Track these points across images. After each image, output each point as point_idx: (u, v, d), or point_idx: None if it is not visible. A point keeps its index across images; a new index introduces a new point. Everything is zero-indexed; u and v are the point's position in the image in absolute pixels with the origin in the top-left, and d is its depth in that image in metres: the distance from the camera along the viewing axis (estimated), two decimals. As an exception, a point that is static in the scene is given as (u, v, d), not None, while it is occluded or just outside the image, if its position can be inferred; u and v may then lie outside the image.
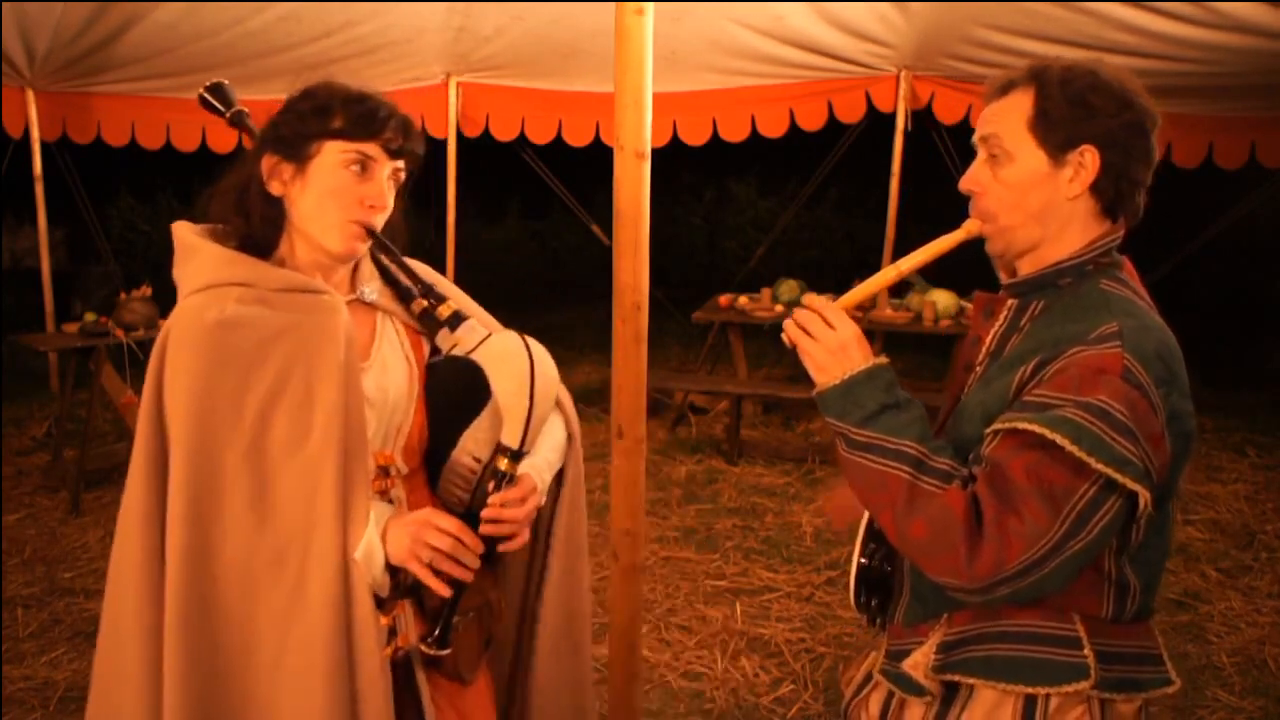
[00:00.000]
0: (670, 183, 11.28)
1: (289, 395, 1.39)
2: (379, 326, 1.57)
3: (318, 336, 1.42)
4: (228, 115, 1.59)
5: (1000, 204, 1.37)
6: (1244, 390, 6.86)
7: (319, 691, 1.35)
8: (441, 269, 1.75)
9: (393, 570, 1.44)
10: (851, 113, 6.24)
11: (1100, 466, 1.19)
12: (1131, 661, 1.35)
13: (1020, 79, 1.37)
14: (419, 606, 1.52)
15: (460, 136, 6.63)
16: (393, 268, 1.60)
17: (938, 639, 1.39)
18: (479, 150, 6.90)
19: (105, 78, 5.96)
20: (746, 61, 5.98)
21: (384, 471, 1.52)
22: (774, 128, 6.37)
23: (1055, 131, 1.33)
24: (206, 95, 1.59)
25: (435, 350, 1.60)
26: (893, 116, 6.18)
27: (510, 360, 1.49)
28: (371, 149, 1.45)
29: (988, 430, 1.29)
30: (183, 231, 1.51)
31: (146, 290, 5.07)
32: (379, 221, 1.49)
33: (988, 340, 1.45)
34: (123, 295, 5.02)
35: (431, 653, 1.47)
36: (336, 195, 1.45)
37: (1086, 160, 1.32)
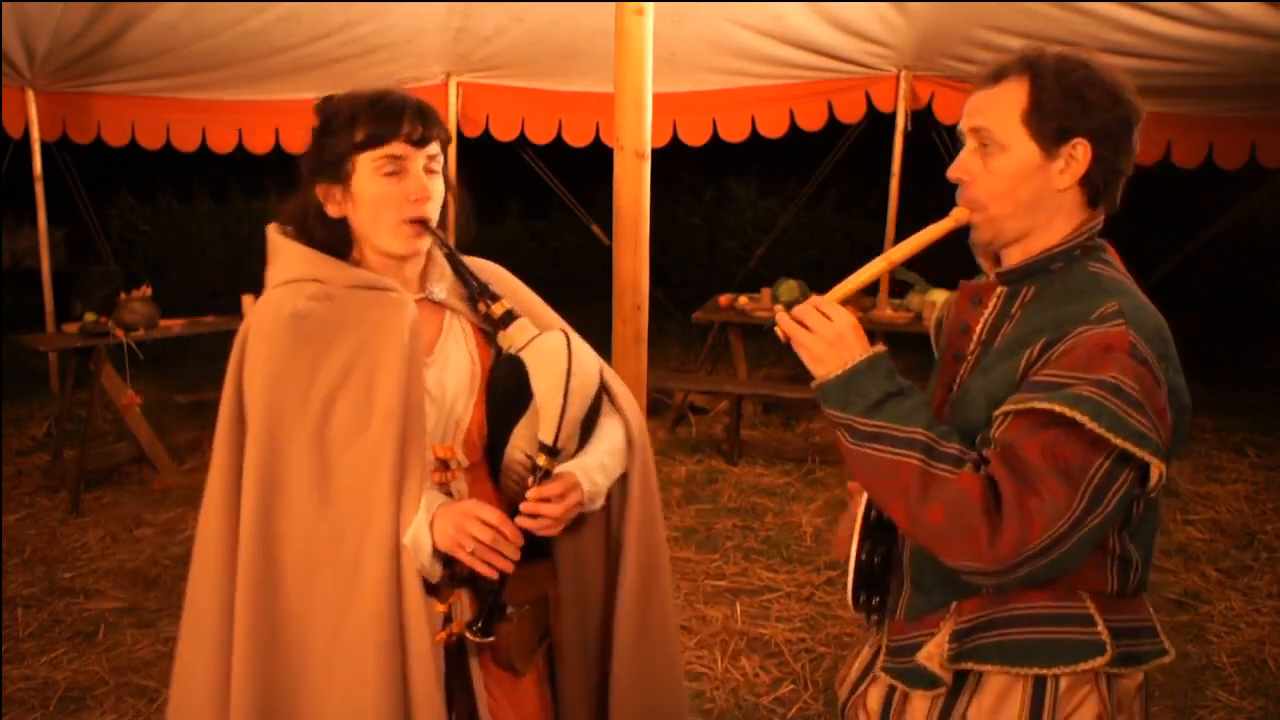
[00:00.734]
0: (670, 183, 11.28)
1: (352, 386, 1.47)
2: (446, 324, 1.63)
3: (383, 331, 1.50)
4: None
5: (990, 193, 1.37)
6: (1244, 390, 6.86)
7: (371, 665, 1.42)
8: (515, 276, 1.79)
9: (447, 560, 1.49)
10: (851, 113, 6.24)
11: (1120, 442, 1.20)
12: (1133, 635, 1.37)
13: (1013, 67, 1.37)
14: (474, 595, 1.56)
15: (460, 136, 6.63)
16: (448, 265, 1.63)
17: (950, 628, 1.39)
18: (479, 150, 6.90)
19: (105, 78, 5.96)
20: (746, 62, 5.98)
21: (444, 465, 1.55)
22: (774, 128, 6.38)
23: (1049, 124, 1.33)
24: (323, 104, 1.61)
25: (499, 350, 1.63)
26: (893, 116, 6.18)
27: (550, 359, 1.52)
28: (397, 148, 1.50)
29: (997, 413, 1.29)
30: (271, 233, 1.61)
31: (146, 290, 5.07)
32: (429, 211, 1.54)
33: (978, 329, 1.45)
34: (123, 295, 5.02)
35: (476, 640, 1.51)
36: (381, 202, 1.51)
37: (1078, 153, 1.34)
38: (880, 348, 1.35)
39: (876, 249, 6.87)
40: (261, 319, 1.52)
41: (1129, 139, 1.36)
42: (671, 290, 8.56)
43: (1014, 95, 1.35)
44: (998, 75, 1.38)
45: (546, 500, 1.50)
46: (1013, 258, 1.41)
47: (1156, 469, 1.23)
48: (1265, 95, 5.61)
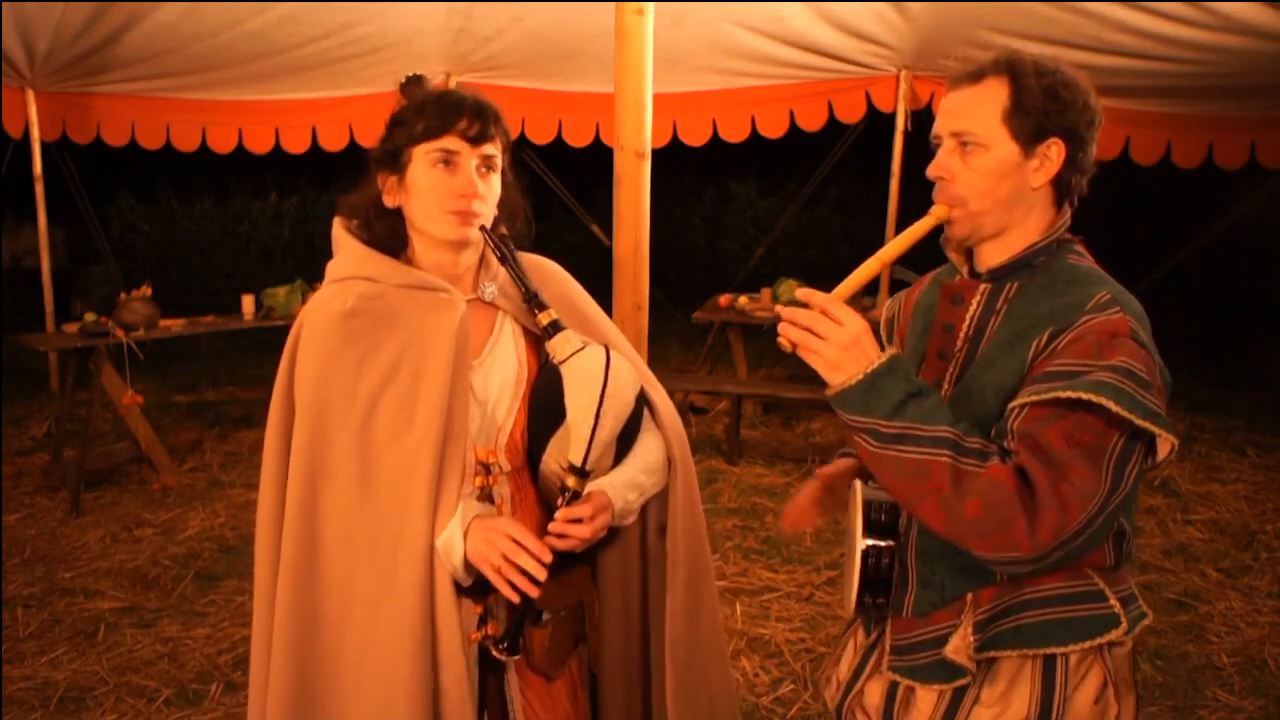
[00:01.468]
0: (670, 183, 11.28)
1: (397, 385, 1.49)
2: (498, 326, 1.63)
3: (430, 331, 1.51)
4: None
5: (971, 190, 1.41)
6: (1244, 390, 6.86)
7: (403, 660, 1.44)
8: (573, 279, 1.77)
9: None
10: (851, 113, 6.24)
11: (1141, 422, 1.25)
12: (1127, 604, 1.42)
13: (991, 68, 1.41)
14: (507, 605, 1.55)
15: (460, 136, 6.63)
16: (502, 266, 1.61)
17: (971, 620, 1.41)
18: (479, 150, 6.90)
19: (105, 78, 5.96)
20: (746, 62, 5.98)
21: (486, 469, 1.55)
22: (774, 128, 6.38)
23: (1028, 123, 1.38)
24: (407, 86, 1.62)
25: (546, 355, 1.62)
26: (892, 117, 6.19)
27: (586, 378, 1.51)
28: (451, 142, 1.52)
29: (1012, 405, 1.32)
30: (337, 227, 1.64)
31: (146, 290, 5.07)
32: (480, 209, 1.54)
33: (964, 326, 1.47)
34: (123, 295, 5.02)
35: (502, 658, 1.52)
36: (430, 193, 1.53)
37: (1053, 153, 1.39)
38: (895, 349, 1.34)
39: (876, 249, 6.88)
40: (313, 316, 1.55)
41: (1094, 141, 1.43)
42: (671, 290, 8.57)
43: (994, 95, 1.39)
44: (976, 76, 1.42)
45: (576, 521, 1.50)
46: (992, 254, 1.45)
47: (1167, 443, 1.29)
48: (1265, 95, 5.61)
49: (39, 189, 6.50)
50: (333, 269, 1.61)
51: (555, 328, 1.54)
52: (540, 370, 1.60)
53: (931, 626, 1.45)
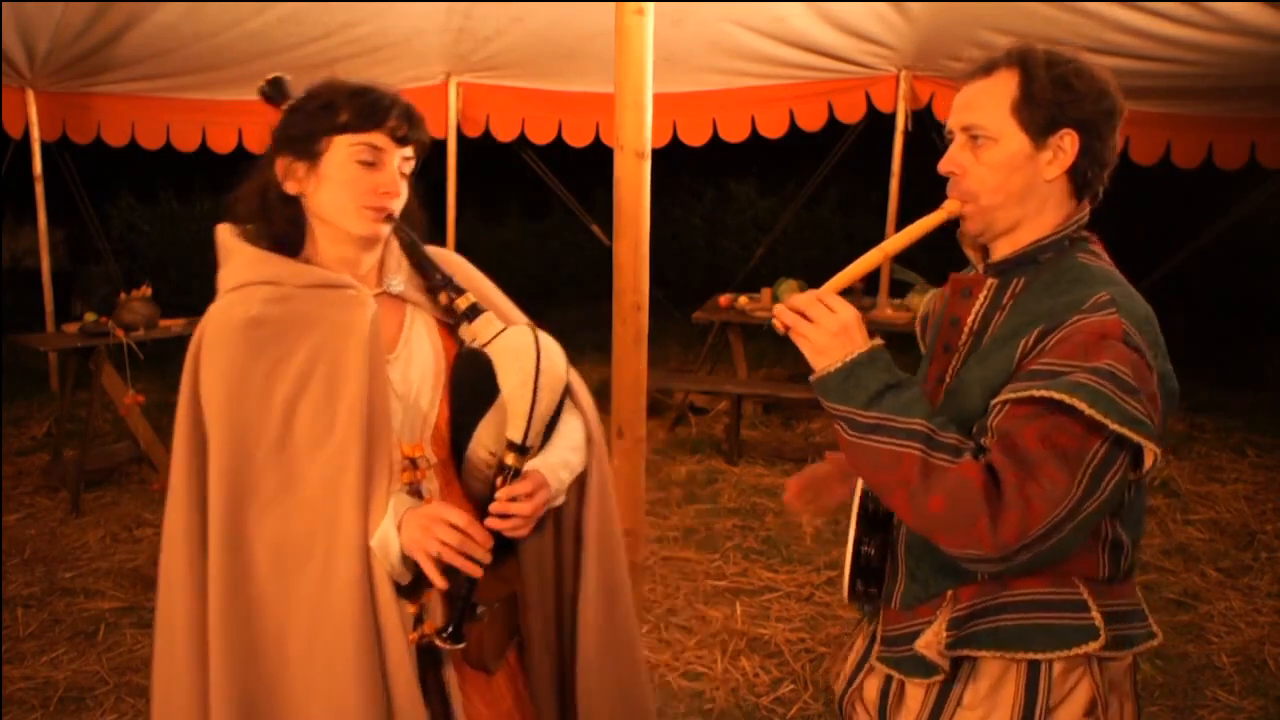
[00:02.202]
0: (670, 183, 11.27)
1: (313, 389, 1.45)
2: (408, 318, 1.60)
3: (342, 331, 1.47)
4: (284, 108, 1.57)
5: (982, 185, 1.39)
6: (1244, 390, 6.86)
7: (350, 673, 1.41)
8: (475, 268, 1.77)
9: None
10: (851, 113, 6.24)
11: (1116, 426, 1.22)
12: (1124, 619, 1.39)
13: (1003, 60, 1.39)
14: (444, 597, 1.54)
15: (461, 136, 6.63)
16: (415, 259, 1.61)
17: (947, 616, 1.40)
18: (479, 150, 6.90)
19: (105, 78, 5.96)
20: (746, 62, 5.98)
21: (413, 463, 1.53)
22: (774, 128, 6.37)
23: (1039, 114, 1.35)
24: (266, 88, 1.58)
25: (462, 341, 1.61)
26: (893, 117, 6.18)
27: (518, 355, 1.50)
28: (379, 139, 1.49)
29: (994, 401, 1.31)
30: (222, 234, 1.57)
31: (146, 290, 5.07)
32: (395, 207, 1.52)
33: (969, 321, 1.46)
34: (123, 295, 5.02)
35: (446, 647, 1.50)
36: (349, 186, 1.49)
37: (1066, 144, 1.36)
38: (878, 341, 1.36)
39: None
40: (214, 327, 1.48)
41: (1113, 133, 1.40)
42: (671, 290, 8.56)
43: (1004, 87, 1.37)
44: (988, 68, 1.40)
45: (515, 499, 1.48)
46: (1002, 249, 1.44)
47: (1151, 452, 1.26)
48: (1265, 95, 5.61)
49: (39, 189, 6.50)
50: (226, 278, 1.53)
51: (476, 310, 1.54)
52: (458, 359, 1.59)
53: (915, 620, 1.45)
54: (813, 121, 6.32)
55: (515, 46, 5.94)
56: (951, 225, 1.46)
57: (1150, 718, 2.99)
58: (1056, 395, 1.23)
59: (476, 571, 1.45)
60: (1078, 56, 1.38)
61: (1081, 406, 1.22)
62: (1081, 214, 1.42)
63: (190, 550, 1.47)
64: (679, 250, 11.45)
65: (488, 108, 6.56)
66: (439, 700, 1.54)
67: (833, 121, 6.32)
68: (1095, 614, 1.35)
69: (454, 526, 1.43)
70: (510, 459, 1.50)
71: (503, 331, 1.53)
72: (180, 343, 6.85)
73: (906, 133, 6.18)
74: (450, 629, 1.49)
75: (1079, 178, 1.39)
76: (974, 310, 1.46)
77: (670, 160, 6.03)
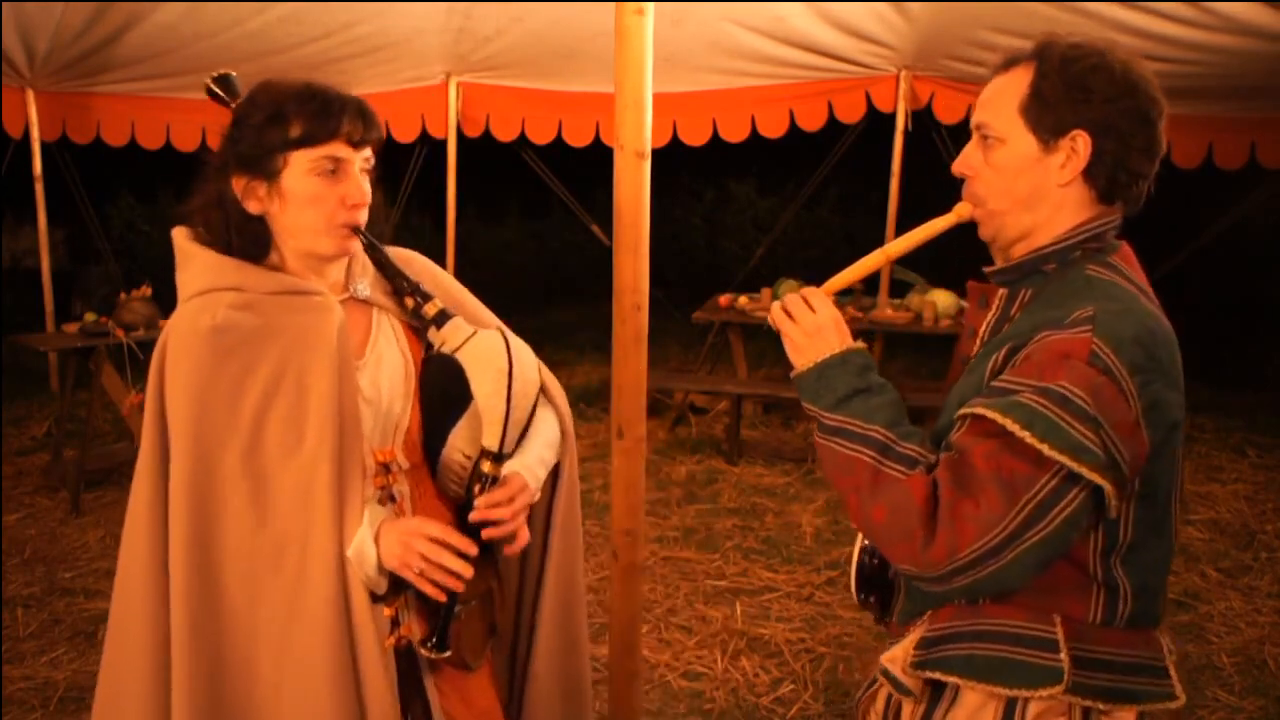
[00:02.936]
0: (670, 183, 11.27)
1: (283, 397, 1.42)
2: (375, 323, 1.58)
3: (310, 338, 1.44)
4: (233, 107, 1.53)
5: (990, 188, 1.34)
6: (1244, 390, 6.86)
7: (322, 679, 1.39)
8: (441, 268, 1.75)
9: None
10: (851, 113, 6.24)
11: (1054, 454, 1.15)
12: (1123, 670, 1.30)
13: (1024, 55, 1.33)
14: (421, 597, 1.53)
15: (461, 136, 6.63)
16: (377, 262, 1.58)
17: (918, 635, 1.37)
18: (479, 150, 6.90)
19: (105, 78, 5.96)
20: (746, 62, 5.98)
21: (385, 468, 1.52)
22: (774, 128, 6.37)
23: (1047, 114, 1.28)
24: (213, 86, 1.53)
25: (430, 345, 1.60)
26: (893, 116, 6.18)
27: (489, 361, 1.48)
28: (337, 149, 1.44)
29: (955, 416, 1.27)
30: (179, 238, 1.53)
31: (146, 290, 5.07)
32: (363, 217, 1.49)
33: (982, 331, 1.41)
34: (123, 295, 5.02)
35: (431, 656, 1.49)
36: (315, 203, 1.45)
37: (1078, 146, 1.28)
38: (858, 344, 1.34)
39: (876, 249, 6.88)
40: (179, 335, 1.44)
41: (1143, 133, 1.29)
42: (671, 290, 8.56)
43: (1016, 85, 1.31)
44: (1008, 64, 1.35)
45: (497, 506, 1.48)
46: (1015, 256, 1.37)
47: (1105, 488, 1.17)
48: (1265, 95, 5.61)
49: (39, 189, 6.49)
50: (188, 283, 1.49)
51: (445, 316, 1.52)
52: (425, 362, 1.58)
53: (906, 636, 1.43)
54: (813, 121, 6.32)
55: (515, 46, 5.94)
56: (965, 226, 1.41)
57: (1151, 718, 2.99)
58: (990, 414, 1.18)
59: (458, 586, 1.44)
60: (1106, 50, 1.29)
61: (1013, 428, 1.16)
62: (1104, 221, 1.32)
63: (154, 561, 1.43)
64: (679, 250, 11.45)
65: (488, 108, 6.55)
66: (419, 704, 1.54)
67: (833, 121, 6.32)
68: (1063, 656, 1.26)
69: (434, 540, 1.42)
70: (487, 467, 1.49)
71: (473, 336, 1.51)
72: (180, 343, 6.79)
73: (906, 133, 6.18)
74: (435, 638, 1.48)
75: (1100, 181, 1.30)
76: (986, 321, 1.41)
77: (670, 160, 6.03)
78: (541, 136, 6.59)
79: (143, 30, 5.32)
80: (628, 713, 2.08)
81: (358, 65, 5.82)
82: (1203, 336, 7.91)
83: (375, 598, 1.46)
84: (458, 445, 1.54)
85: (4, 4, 4.85)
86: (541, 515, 1.73)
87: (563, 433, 1.69)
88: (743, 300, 6.13)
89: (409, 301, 1.55)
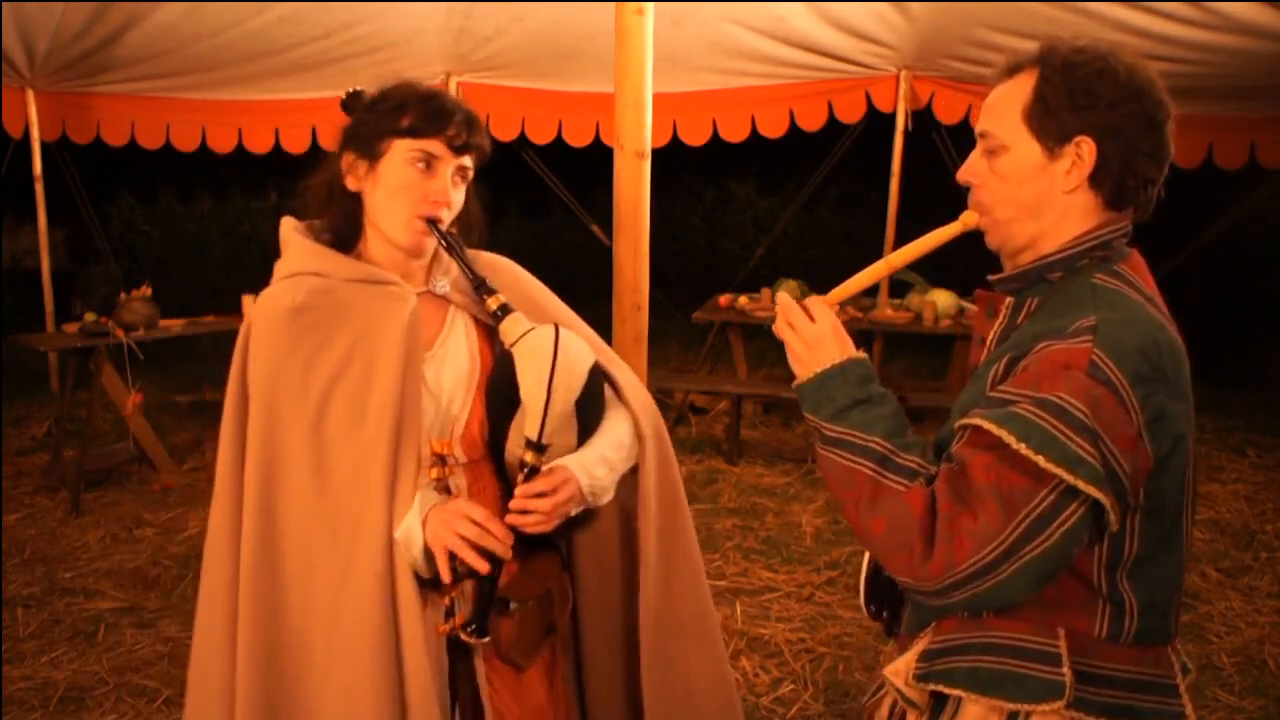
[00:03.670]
0: (670, 183, 11.28)
1: (349, 379, 1.49)
2: (449, 319, 1.63)
3: (381, 325, 1.51)
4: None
5: (994, 196, 1.32)
6: (1244, 390, 6.86)
7: (366, 652, 1.44)
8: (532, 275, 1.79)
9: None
10: (851, 113, 6.24)
11: (1049, 466, 1.13)
12: (1128, 687, 1.27)
13: (1028, 60, 1.31)
14: (475, 591, 1.55)
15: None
16: (453, 260, 1.61)
17: (922, 646, 1.35)
18: (479, 150, 6.90)
19: (105, 78, 5.96)
20: (746, 62, 5.98)
21: (441, 460, 1.55)
22: (774, 128, 6.38)
23: (1050, 121, 1.26)
24: (349, 102, 1.62)
25: (500, 345, 1.62)
26: (893, 116, 6.18)
27: (536, 354, 1.51)
28: (435, 146, 1.52)
29: (955, 426, 1.26)
30: (284, 227, 1.64)
31: (146, 290, 5.07)
32: (445, 216, 1.55)
33: (989, 340, 1.39)
34: (123, 295, 5.03)
35: (471, 641, 1.51)
36: (402, 191, 1.53)
37: (1083, 152, 1.26)
38: (859, 354, 1.32)
39: (876, 249, 6.88)
40: (262, 314, 1.54)
41: (1149, 138, 1.27)
42: (671, 290, 8.56)
43: (1020, 91, 1.29)
44: (1012, 69, 1.33)
45: (536, 496, 1.49)
46: (1021, 265, 1.35)
47: (1104, 501, 1.14)
48: (1265, 95, 5.61)
49: (39, 189, 6.50)
50: (280, 267, 1.61)
51: (505, 310, 1.55)
52: (496, 362, 1.61)
53: (912, 647, 1.41)
54: (813, 121, 6.32)
55: (515, 46, 5.94)
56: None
57: None
58: (987, 425, 1.16)
59: (484, 567, 1.46)
60: (1111, 54, 1.27)
61: (1009, 440, 1.14)
62: (1112, 228, 1.29)
63: (234, 530, 1.51)
64: (679, 250, 11.45)
65: (488, 107, 6.54)
66: (469, 691, 1.56)
67: (833, 121, 6.32)
68: (1065, 670, 1.23)
69: (473, 521, 1.46)
70: (528, 456, 1.51)
71: (529, 332, 1.54)
72: (180, 343, 6.85)
73: (906, 133, 6.18)
74: (474, 624, 1.51)
75: (1107, 187, 1.27)
76: (993, 330, 1.38)
77: (670, 160, 6.03)
78: (541, 136, 6.59)
79: (143, 30, 5.32)
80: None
81: (358, 65, 5.82)
82: (1203, 336, 7.90)
83: (428, 584, 1.50)
84: (515, 440, 1.56)
85: (4, 4, 4.85)
86: (619, 518, 1.70)
87: (641, 436, 1.67)
88: (743, 300, 6.13)
89: (489, 302, 1.57)
